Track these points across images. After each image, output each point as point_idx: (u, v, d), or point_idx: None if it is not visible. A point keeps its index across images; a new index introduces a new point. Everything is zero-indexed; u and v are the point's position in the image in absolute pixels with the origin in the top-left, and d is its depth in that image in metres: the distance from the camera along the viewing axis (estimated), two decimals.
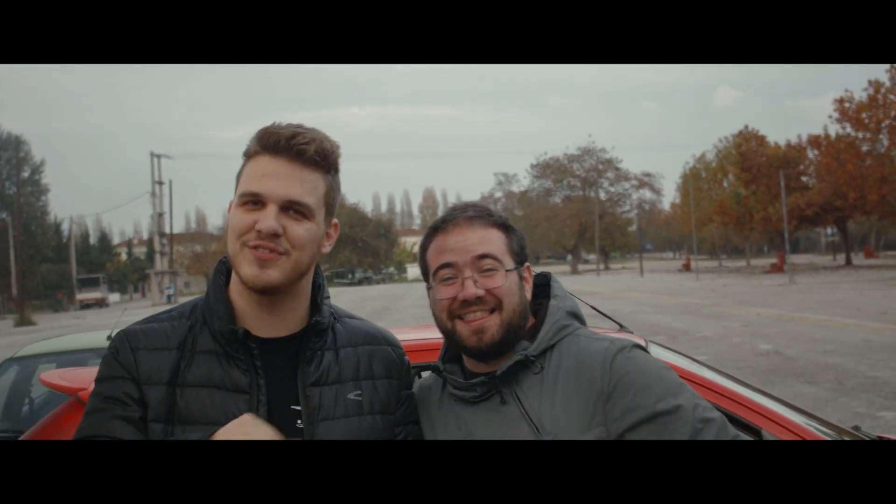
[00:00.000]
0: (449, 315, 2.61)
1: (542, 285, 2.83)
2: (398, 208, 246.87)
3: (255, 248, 2.44)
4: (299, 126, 2.52)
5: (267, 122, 2.53)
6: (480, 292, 2.57)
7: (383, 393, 2.64)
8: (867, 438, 4.28)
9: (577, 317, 2.73)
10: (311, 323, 2.57)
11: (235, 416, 2.34)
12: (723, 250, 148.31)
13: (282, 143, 2.46)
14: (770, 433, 3.73)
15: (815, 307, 33.35)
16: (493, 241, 2.63)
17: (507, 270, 2.61)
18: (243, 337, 2.49)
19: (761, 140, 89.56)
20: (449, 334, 2.65)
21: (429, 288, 2.69)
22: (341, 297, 68.24)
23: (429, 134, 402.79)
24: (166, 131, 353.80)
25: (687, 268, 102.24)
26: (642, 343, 4.26)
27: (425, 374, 3.04)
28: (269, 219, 2.42)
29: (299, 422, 2.50)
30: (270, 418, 2.40)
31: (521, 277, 2.68)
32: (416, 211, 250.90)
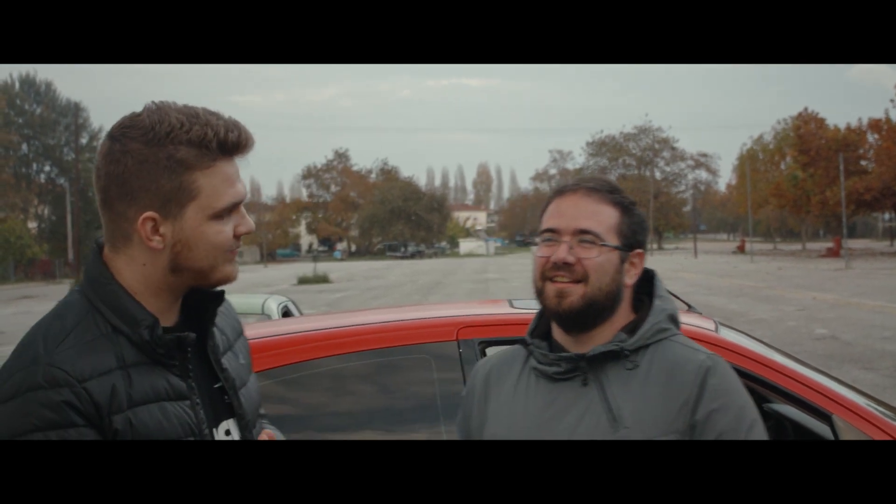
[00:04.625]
0: (541, 275, 2.64)
1: (645, 281, 2.80)
2: (452, 183, 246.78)
3: (231, 250, 2.33)
4: (218, 114, 2.28)
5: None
6: (571, 259, 2.58)
7: (246, 351, 2.60)
8: None
9: (675, 321, 2.72)
10: (224, 299, 2.44)
11: (191, 425, 2.22)
12: (778, 233, 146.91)
13: (235, 143, 2.27)
14: (841, 418, 3.71)
15: (872, 293, 32.99)
16: (602, 217, 2.64)
17: (604, 245, 2.60)
18: (180, 341, 2.27)
19: (820, 123, 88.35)
20: (538, 294, 2.68)
21: (534, 245, 2.73)
22: (394, 271, 68.40)
23: (483, 108, 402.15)
24: (219, 100, 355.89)
25: (741, 250, 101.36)
26: (712, 325, 4.25)
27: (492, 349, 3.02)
28: (248, 221, 2.38)
29: (226, 397, 2.41)
30: (205, 412, 2.30)
31: (625, 261, 2.67)
32: (469, 186, 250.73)
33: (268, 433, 2.47)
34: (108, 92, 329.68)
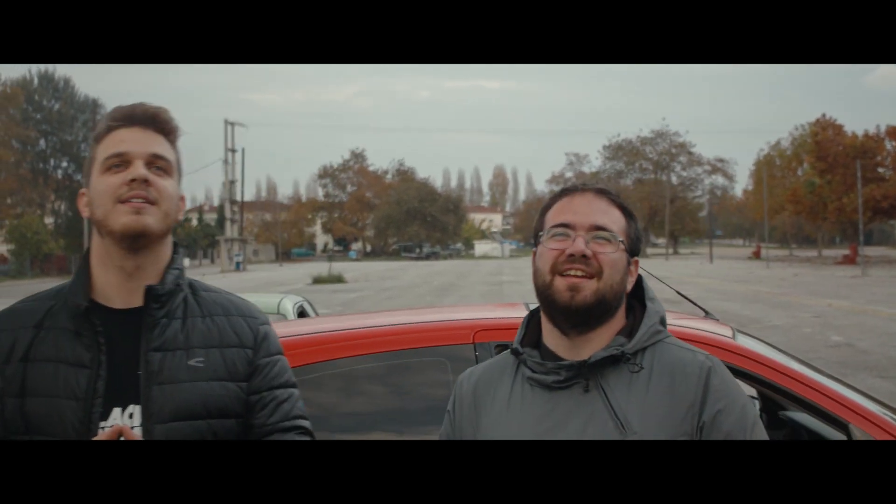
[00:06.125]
0: (552, 269, 2.58)
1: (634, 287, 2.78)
2: (468, 184, 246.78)
3: (128, 200, 2.54)
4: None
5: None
6: (588, 252, 2.54)
7: (230, 361, 2.66)
8: None
9: (664, 323, 2.70)
10: (146, 289, 2.61)
11: (75, 390, 2.50)
12: (794, 239, 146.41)
13: (136, 115, 2.65)
14: (858, 427, 3.69)
15: (888, 300, 32.83)
16: (613, 217, 2.63)
17: (619, 241, 2.60)
18: (86, 312, 2.57)
19: (838, 129, 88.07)
20: (544, 289, 2.60)
21: (537, 245, 2.68)
22: (409, 272, 68.38)
23: (500, 110, 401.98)
24: (239, 98, 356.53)
25: (757, 255, 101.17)
26: (729, 332, 4.23)
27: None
28: (139, 168, 2.56)
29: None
30: (111, 390, 2.52)
31: (628, 264, 2.66)
32: (485, 188, 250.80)
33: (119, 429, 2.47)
34: (126, 88, 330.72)
